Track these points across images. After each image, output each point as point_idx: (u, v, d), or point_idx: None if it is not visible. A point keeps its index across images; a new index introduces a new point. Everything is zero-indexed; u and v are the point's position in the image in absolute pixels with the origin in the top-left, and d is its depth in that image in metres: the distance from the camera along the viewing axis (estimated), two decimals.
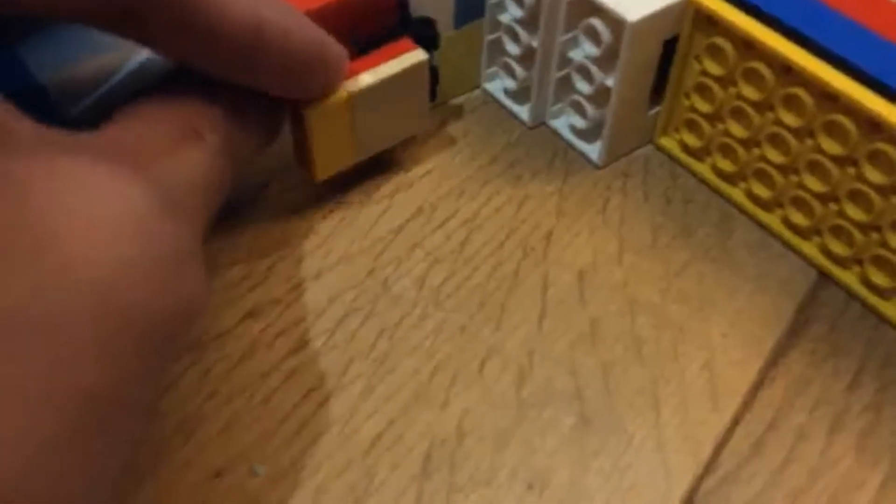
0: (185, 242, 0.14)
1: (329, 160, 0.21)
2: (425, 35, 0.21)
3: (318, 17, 0.19)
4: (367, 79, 0.20)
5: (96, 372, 0.12)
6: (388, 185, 0.23)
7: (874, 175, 0.19)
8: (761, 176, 0.21)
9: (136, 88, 0.18)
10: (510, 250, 0.21)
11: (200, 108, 0.16)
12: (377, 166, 0.23)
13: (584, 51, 0.22)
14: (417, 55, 0.20)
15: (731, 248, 0.22)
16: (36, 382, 0.11)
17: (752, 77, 0.20)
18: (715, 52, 0.21)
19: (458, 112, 0.24)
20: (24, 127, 0.13)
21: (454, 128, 0.24)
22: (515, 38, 0.23)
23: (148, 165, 0.14)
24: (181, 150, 0.15)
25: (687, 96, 0.22)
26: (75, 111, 0.18)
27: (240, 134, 0.17)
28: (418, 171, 0.23)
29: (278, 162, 0.22)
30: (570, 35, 0.22)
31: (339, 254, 0.21)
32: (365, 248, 0.21)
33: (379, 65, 0.20)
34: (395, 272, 0.21)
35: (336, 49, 0.18)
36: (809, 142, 0.20)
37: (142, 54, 0.19)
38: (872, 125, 0.18)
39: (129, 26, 0.15)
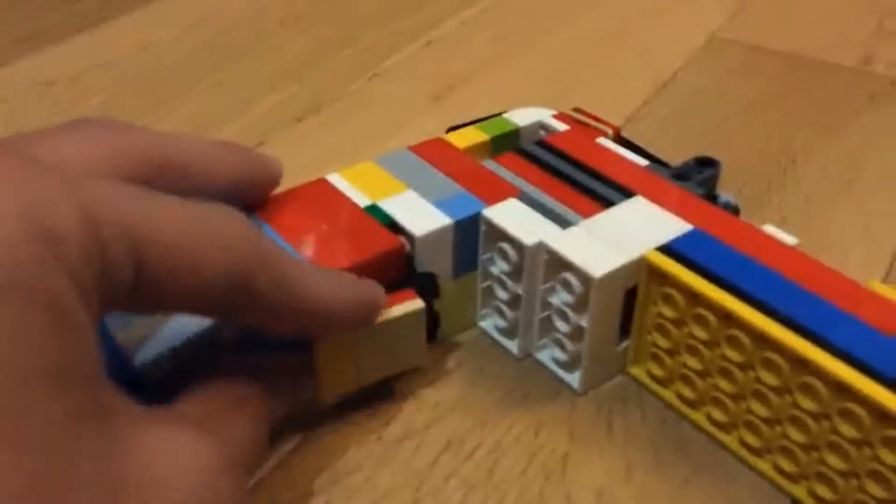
0: (241, 494, 0.18)
1: (334, 386, 0.24)
2: (427, 288, 0.25)
3: None
4: None
5: None
6: (420, 420, 0.26)
7: (807, 404, 0.22)
8: (717, 402, 0.25)
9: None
10: (533, 474, 0.24)
11: (250, 386, 0.21)
12: (409, 403, 0.26)
13: (561, 297, 0.26)
14: (416, 303, 0.25)
15: (723, 459, 0.25)
16: None
17: (700, 320, 0.24)
18: (668, 300, 0.25)
19: (471, 348, 0.28)
20: (121, 403, 0.17)
21: (469, 364, 0.28)
22: (504, 286, 0.27)
23: (214, 431, 0.18)
24: (238, 418, 0.20)
25: (649, 333, 0.26)
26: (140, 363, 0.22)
27: (276, 404, 0.22)
28: (444, 406, 0.26)
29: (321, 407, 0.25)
30: (548, 285, 0.26)
31: (385, 488, 0.24)
32: (406, 481, 0.24)
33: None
34: (435, 502, 0.24)
35: (376, 293, 0.23)
36: (752, 374, 0.24)
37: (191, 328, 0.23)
38: (800, 362, 0.22)
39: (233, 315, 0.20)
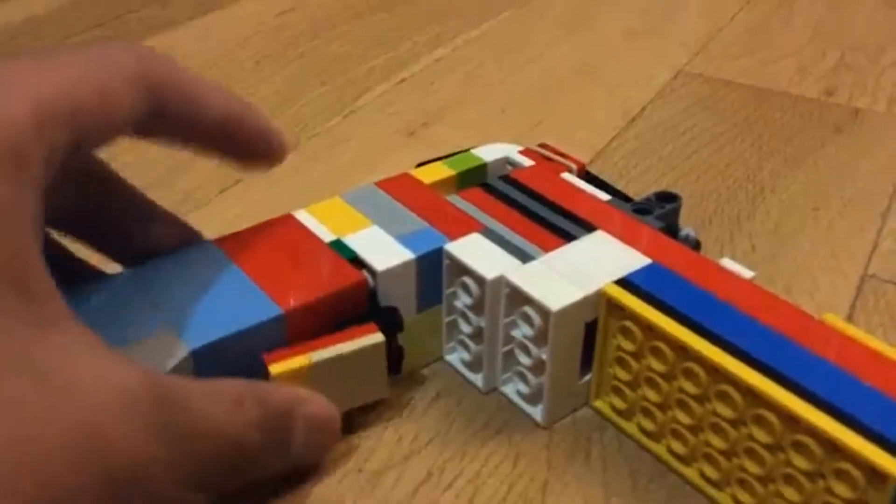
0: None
1: None
2: (389, 322, 0.26)
3: (301, 314, 0.24)
4: (327, 352, 0.24)
5: None
6: (400, 452, 0.26)
7: (762, 436, 0.23)
8: (676, 434, 0.25)
9: None
10: (513, 502, 0.25)
11: None
12: (388, 435, 0.26)
13: (522, 331, 0.26)
14: (375, 337, 0.25)
15: None
16: None
17: (657, 353, 0.25)
18: (626, 333, 0.25)
19: (449, 381, 0.29)
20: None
21: (447, 397, 0.28)
22: (467, 320, 0.27)
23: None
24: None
25: (610, 366, 0.26)
26: None
27: None
28: (423, 438, 0.27)
29: None
30: (510, 318, 0.26)
31: None
32: None
33: (342, 343, 0.25)
34: None
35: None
36: (708, 406, 0.24)
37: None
38: (753, 394, 0.23)
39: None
